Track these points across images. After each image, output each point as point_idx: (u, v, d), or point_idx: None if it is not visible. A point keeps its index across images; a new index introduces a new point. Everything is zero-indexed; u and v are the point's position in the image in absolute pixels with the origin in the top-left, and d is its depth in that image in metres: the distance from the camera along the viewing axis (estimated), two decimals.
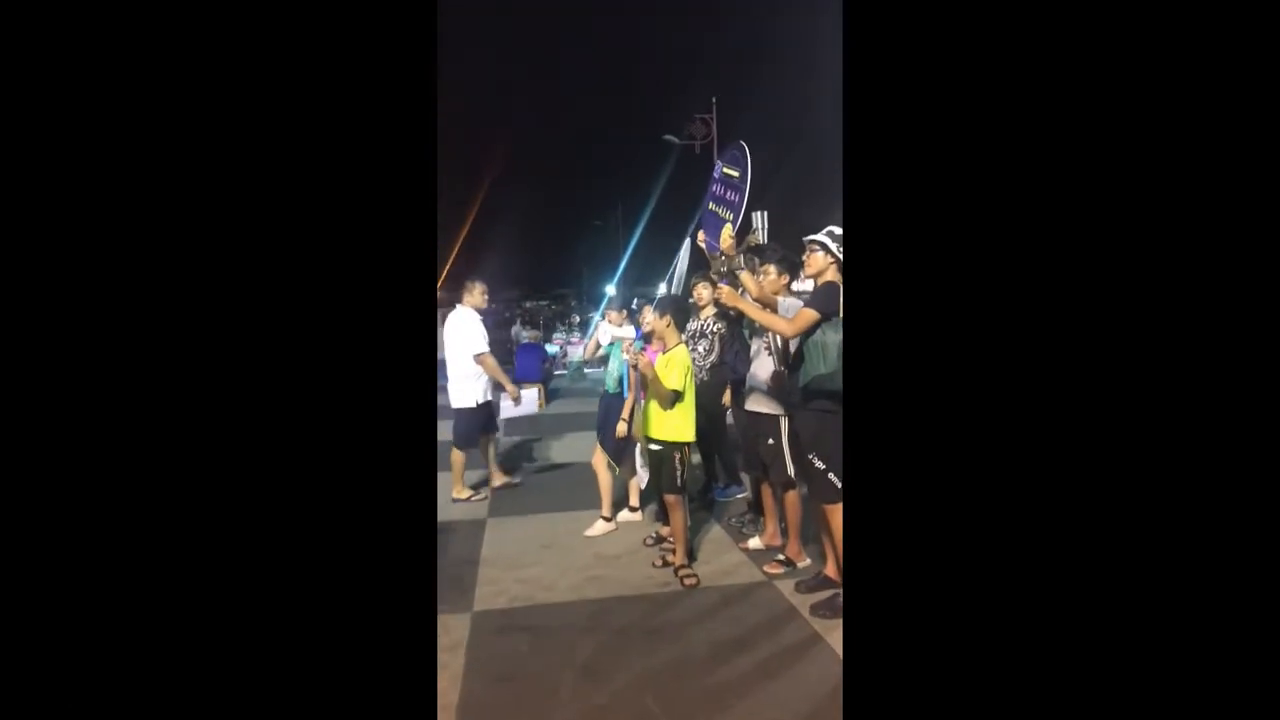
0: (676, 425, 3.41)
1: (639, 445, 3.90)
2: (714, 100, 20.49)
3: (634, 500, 4.33)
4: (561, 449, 6.52)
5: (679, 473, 3.40)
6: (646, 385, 3.44)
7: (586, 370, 12.18)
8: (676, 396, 3.36)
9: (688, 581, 3.32)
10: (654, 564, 3.57)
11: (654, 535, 3.93)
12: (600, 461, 4.17)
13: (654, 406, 3.44)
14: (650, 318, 3.76)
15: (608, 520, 4.25)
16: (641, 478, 3.95)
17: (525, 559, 3.71)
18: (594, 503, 4.58)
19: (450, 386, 4.70)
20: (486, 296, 4.79)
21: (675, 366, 3.36)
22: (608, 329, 3.84)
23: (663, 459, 3.44)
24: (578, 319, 16.27)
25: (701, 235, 3.82)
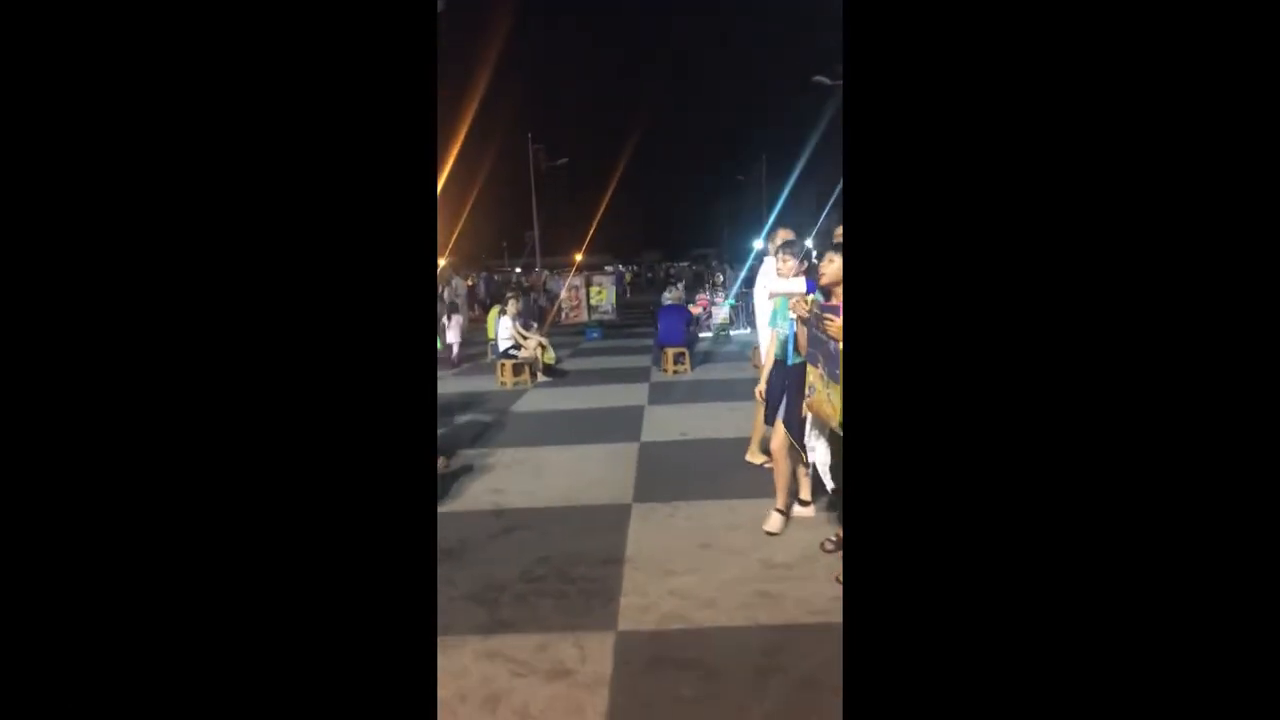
0: None
1: (814, 427, 3.13)
2: None
3: (805, 493, 3.57)
4: (709, 421, 5.84)
5: None
6: (820, 351, 2.67)
7: (732, 333, 11.41)
8: None
9: None
10: (838, 579, 2.82)
11: (833, 538, 3.16)
12: (781, 447, 3.44)
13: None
14: (836, 266, 2.96)
15: (784, 514, 3.53)
16: (823, 467, 3.18)
17: (677, 561, 3.09)
18: (752, 489, 3.90)
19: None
20: None
21: None
22: (774, 280, 3.06)
23: None
24: (720, 278, 15.42)
25: None
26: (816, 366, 2.79)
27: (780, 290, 3.01)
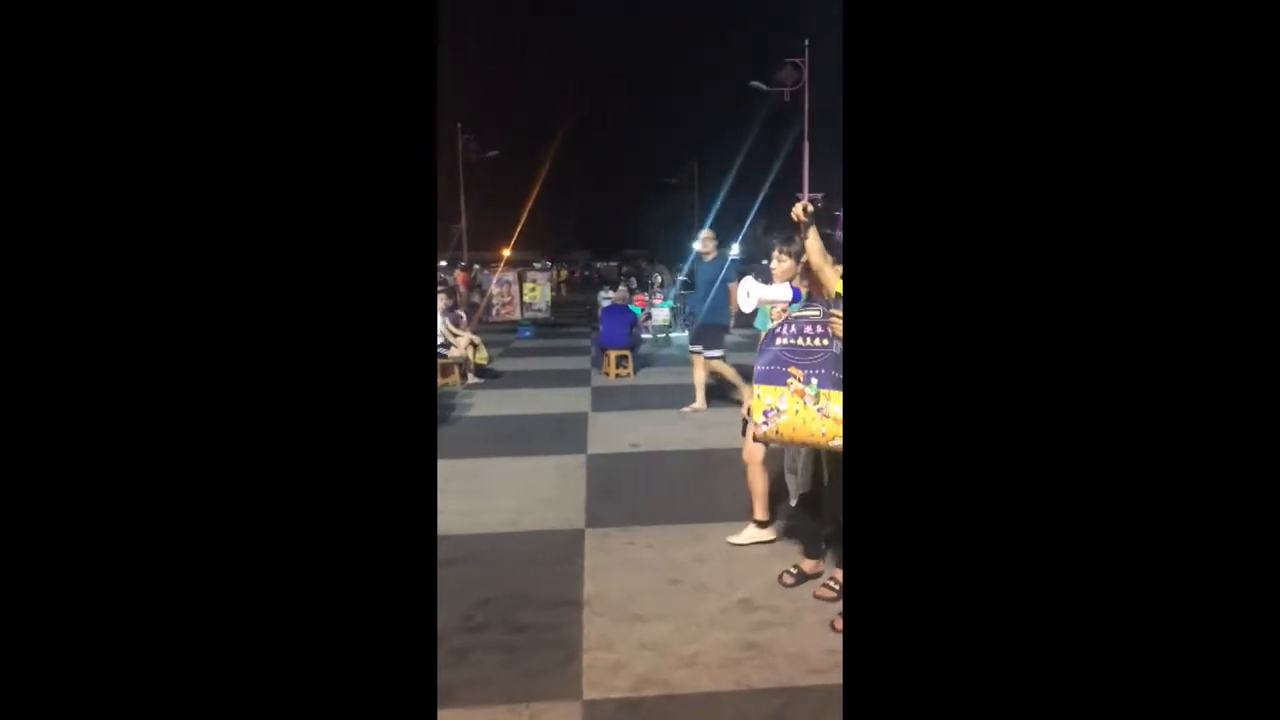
0: None
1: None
2: (806, 44, 18.82)
3: (761, 512, 3.21)
4: (660, 431, 5.43)
5: None
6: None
7: (673, 335, 11.05)
8: None
9: None
10: (834, 627, 2.46)
11: (794, 570, 2.81)
12: (753, 454, 3.10)
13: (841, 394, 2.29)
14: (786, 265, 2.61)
15: (763, 526, 3.19)
16: (794, 484, 2.81)
17: (644, 603, 2.66)
18: (717, 511, 3.55)
19: None
20: None
21: None
22: (756, 288, 2.67)
23: None
24: (659, 279, 15.04)
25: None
26: (787, 384, 2.40)
27: (770, 298, 2.63)
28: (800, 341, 2.35)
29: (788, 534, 3.19)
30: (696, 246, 6.08)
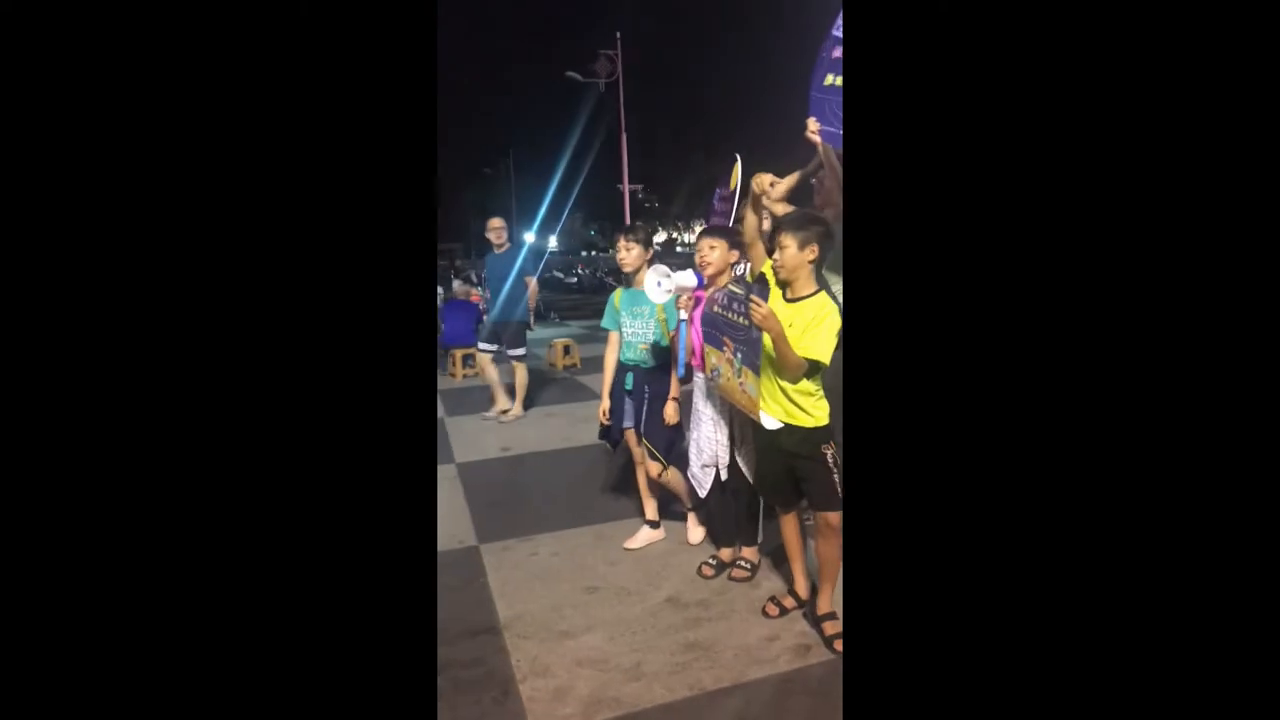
0: (810, 403, 2.25)
1: (705, 428, 2.70)
2: (618, 35, 19.03)
3: (651, 512, 3.15)
4: (526, 431, 5.20)
5: (838, 474, 2.24)
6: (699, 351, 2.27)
7: None
8: (814, 368, 2.20)
9: (839, 644, 2.23)
10: (766, 612, 2.45)
11: (712, 560, 2.79)
12: (643, 454, 3.01)
13: (769, 381, 2.27)
14: (719, 254, 2.57)
15: (655, 526, 3.11)
16: (697, 470, 2.75)
17: (568, 617, 2.49)
18: (613, 509, 3.46)
19: None
20: None
21: (820, 323, 2.19)
22: (664, 277, 2.58)
23: (789, 453, 2.29)
24: (475, 277, 14.40)
25: (815, 125, 2.55)
26: (721, 350, 2.37)
27: (684, 285, 2.54)
28: (730, 315, 2.30)
29: (690, 525, 3.15)
30: (488, 236, 5.35)
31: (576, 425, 5.18)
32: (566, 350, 7.90)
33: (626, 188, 18.61)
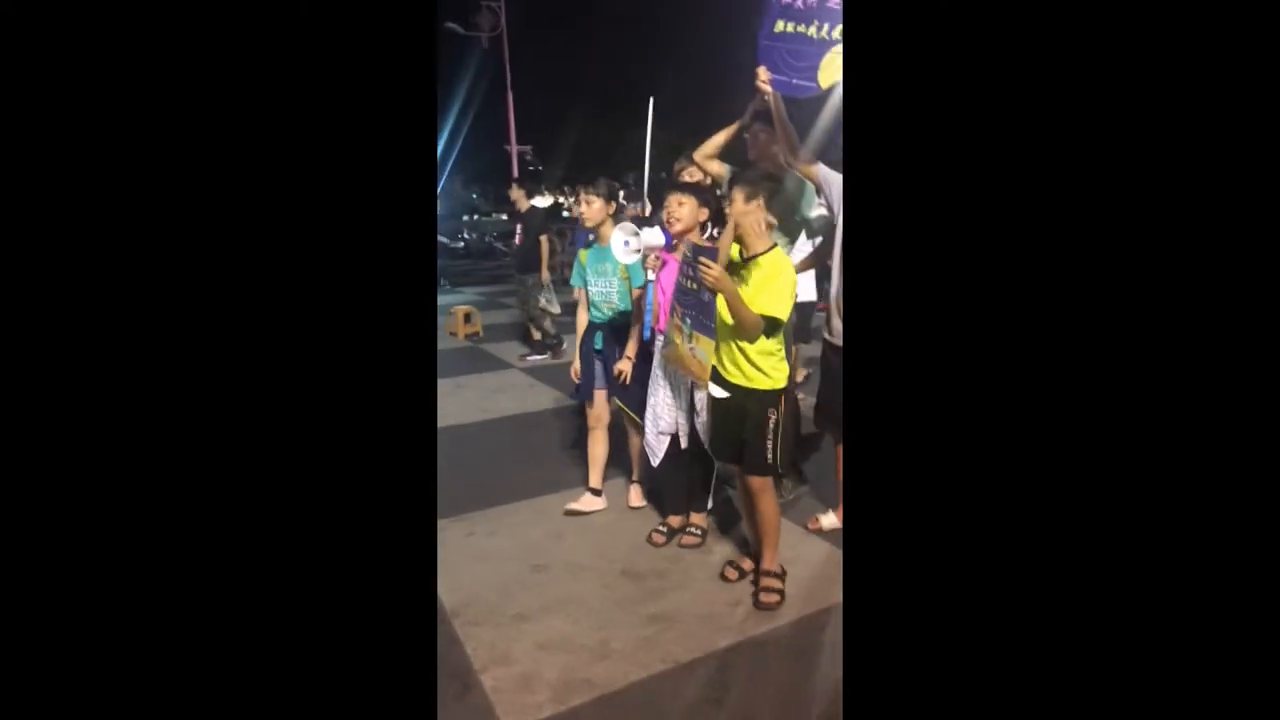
0: (771, 365, 2.21)
1: (663, 395, 2.63)
2: None
3: (596, 480, 3.07)
4: (449, 403, 4.93)
5: (773, 441, 2.22)
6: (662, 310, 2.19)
7: None
8: (772, 326, 2.15)
9: (767, 599, 2.24)
10: (725, 576, 2.42)
11: (662, 528, 2.74)
12: (600, 417, 2.90)
13: (727, 346, 2.21)
14: (688, 209, 2.45)
15: (598, 494, 3.02)
16: (652, 437, 2.67)
17: (520, 599, 2.36)
18: (550, 480, 3.36)
19: None
20: None
21: (774, 279, 2.13)
22: (632, 235, 2.42)
23: (744, 416, 2.24)
24: None
25: (766, 75, 2.43)
26: (677, 319, 2.28)
27: (651, 243, 2.40)
28: (685, 281, 2.20)
29: (636, 494, 3.07)
30: None
31: (491, 396, 4.97)
32: (468, 318, 7.57)
33: (514, 148, 17.98)
